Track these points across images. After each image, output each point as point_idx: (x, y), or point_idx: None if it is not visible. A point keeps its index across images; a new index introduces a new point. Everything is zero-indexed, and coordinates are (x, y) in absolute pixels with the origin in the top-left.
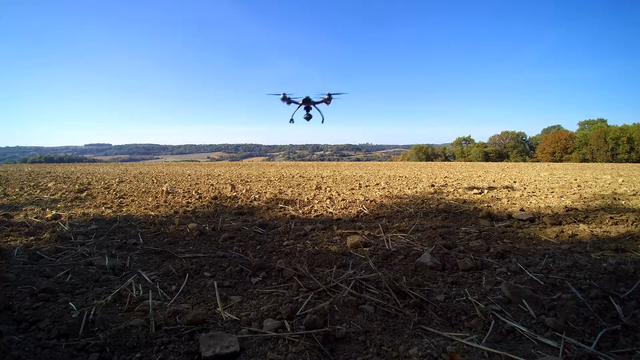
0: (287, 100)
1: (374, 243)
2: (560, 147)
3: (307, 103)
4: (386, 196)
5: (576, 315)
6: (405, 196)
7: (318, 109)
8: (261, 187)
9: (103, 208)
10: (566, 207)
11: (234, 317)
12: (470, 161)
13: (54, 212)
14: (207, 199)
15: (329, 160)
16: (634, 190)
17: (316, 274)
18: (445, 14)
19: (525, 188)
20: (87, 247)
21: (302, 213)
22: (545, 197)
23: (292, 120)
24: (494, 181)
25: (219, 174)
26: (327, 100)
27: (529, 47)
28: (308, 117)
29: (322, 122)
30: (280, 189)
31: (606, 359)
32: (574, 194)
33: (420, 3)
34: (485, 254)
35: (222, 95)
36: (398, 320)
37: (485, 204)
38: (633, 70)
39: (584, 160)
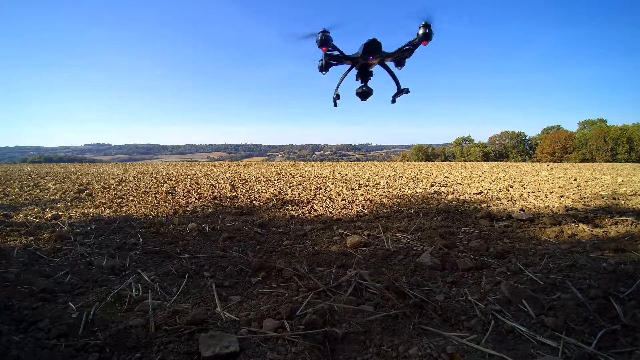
0: (330, 48)
1: (373, 243)
2: (560, 147)
3: (372, 55)
4: (386, 196)
5: (576, 315)
6: (405, 196)
7: (390, 70)
8: (261, 187)
9: (103, 208)
10: (566, 207)
11: (234, 317)
12: (470, 161)
13: (53, 212)
14: (207, 199)
15: (329, 160)
16: (633, 190)
17: (316, 274)
18: (445, 13)
19: (525, 188)
20: (86, 247)
21: (302, 213)
22: (545, 197)
23: (337, 100)
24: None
25: (218, 174)
26: (423, 39)
27: (529, 47)
28: (365, 93)
29: (402, 93)
30: (280, 189)
31: (606, 359)
32: (573, 194)
33: (420, 3)
34: (485, 254)
35: (222, 95)
36: (398, 320)
37: (485, 204)
38: (633, 70)
39: (584, 160)
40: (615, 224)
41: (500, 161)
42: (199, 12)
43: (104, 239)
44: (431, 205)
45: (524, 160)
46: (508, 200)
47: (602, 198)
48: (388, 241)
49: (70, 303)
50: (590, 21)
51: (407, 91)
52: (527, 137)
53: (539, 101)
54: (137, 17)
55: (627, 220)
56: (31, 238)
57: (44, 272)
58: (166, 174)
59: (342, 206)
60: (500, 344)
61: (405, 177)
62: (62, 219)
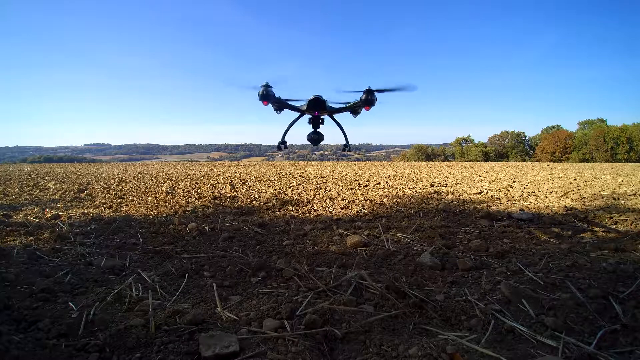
0: (272, 102)
1: (373, 243)
2: (560, 147)
3: (318, 111)
4: (386, 196)
5: (576, 315)
6: (405, 196)
7: (339, 124)
8: (261, 187)
9: (102, 208)
10: (566, 207)
11: (234, 317)
12: (470, 161)
13: (53, 212)
14: (206, 198)
15: (329, 160)
16: (633, 190)
17: (316, 273)
18: (445, 13)
19: (525, 187)
20: (86, 247)
21: (302, 213)
22: (545, 197)
23: (283, 146)
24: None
25: (218, 174)
26: (365, 104)
27: (529, 47)
28: (316, 139)
29: (347, 149)
30: (280, 189)
31: (606, 359)
32: (573, 193)
33: (420, 2)
34: (485, 254)
35: (222, 95)
36: (398, 320)
37: (485, 204)
38: (633, 71)
39: (584, 160)
40: (615, 223)
41: (500, 161)
42: (199, 11)
43: (104, 239)
44: (431, 205)
45: (524, 160)
46: (508, 200)
47: (602, 198)
48: (388, 241)
49: (70, 303)
50: (591, 21)
51: (349, 149)
52: (527, 137)
53: (539, 101)
54: (137, 17)
55: (627, 220)
56: (31, 238)
57: (44, 272)
58: (166, 173)
59: (342, 206)
60: (500, 344)
61: (405, 177)
62: (62, 219)
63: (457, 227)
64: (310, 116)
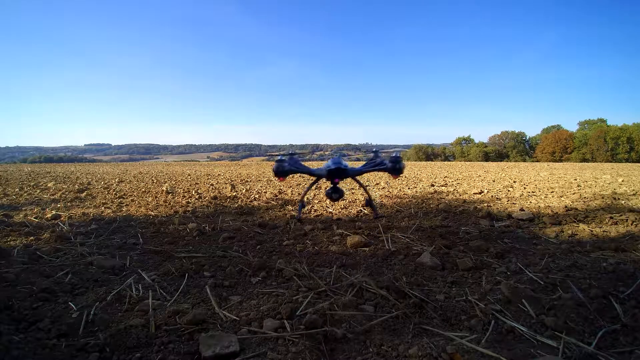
0: (286, 172)
1: (373, 243)
2: (560, 147)
3: (339, 177)
4: (386, 196)
5: (576, 315)
6: (405, 196)
7: (361, 184)
8: (261, 187)
9: (103, 208)
10: (566, 206)
11: (234, 317)
12: (470, 161)
13: (53, 212)
14: (207, 198)
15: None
16: (633, 190)
17: (316, 273)
18: (445, 13)
19: (525, 188)
20: (86, 247)
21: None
22: (545, 197)
23: (299, 218)
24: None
25: (218, 174)
26: (392, 173)
27: (529, 47)
28: (337, 198)
29: (371, 210)
30: (280, 189)
31: (606, 359)
32: (573, 193)
33: (420, 2)
34: (485, 254)
35: (222, 95)
36: (398, 320)
37: (485, 204)
38: (633, 70)
39: (584, 160)
40: (616, 223)
41: (501, 161)
42: (199, 11)
43: (104, 239)
44: (431, 205)
45: (524, 160)
46: (508, 200)
47: (602, 198)
48: (388, 241)
49: (70, 303)
50: (591, 21)
51: (375, 213)
52: (527, 137)
53: (539, 101)
54: (137, 17)
55: (627, 220)
56: (31, 238)
57: (44, 272)
58: (166, 173)
59: (342, 206)
60: (501, 344)
61: (405, 177)
62: (62, 219)
63: (458, 227)
64: (330, 180)
